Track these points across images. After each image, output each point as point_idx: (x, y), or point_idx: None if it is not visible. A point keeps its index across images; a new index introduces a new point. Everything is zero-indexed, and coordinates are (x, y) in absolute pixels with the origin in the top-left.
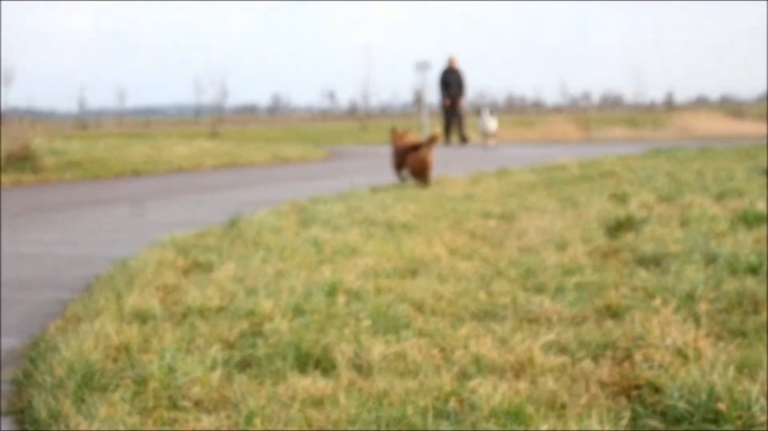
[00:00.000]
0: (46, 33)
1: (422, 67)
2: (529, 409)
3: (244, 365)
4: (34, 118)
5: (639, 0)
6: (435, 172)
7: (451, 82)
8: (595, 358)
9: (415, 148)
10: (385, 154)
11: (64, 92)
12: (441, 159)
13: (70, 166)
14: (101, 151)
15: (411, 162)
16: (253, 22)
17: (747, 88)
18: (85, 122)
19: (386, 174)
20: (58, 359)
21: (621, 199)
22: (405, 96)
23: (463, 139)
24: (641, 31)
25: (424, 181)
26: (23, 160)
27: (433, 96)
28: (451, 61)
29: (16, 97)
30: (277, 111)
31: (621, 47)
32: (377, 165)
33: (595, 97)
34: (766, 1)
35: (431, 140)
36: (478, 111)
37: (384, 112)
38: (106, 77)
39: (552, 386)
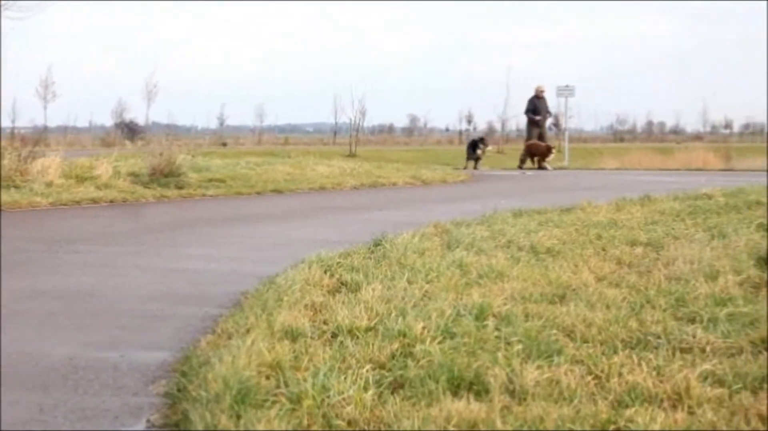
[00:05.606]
0: (188, 49)
1: (564, 91)
2: None
3: (396, 386)
4: (174, 133)
5: None
6: (578, 197)
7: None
8: (754, 391)
9: None
10: (523, 178)
11: (204, 108)
12: (581, 185)
13: (212, 182)
14: (243, 168)
15: None
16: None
17: None
18: (224, 138)
19: (527, 198)
20: (212, 374)
21: None
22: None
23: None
24: None
25: None
26: (167, 176)
27: (572, 121)
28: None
29: (157, 112)
30: (413, 132)
31: (764, 74)
32: (517, 188)
33: (737, 125)
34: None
35: None
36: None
37: (521, 135)
38: (246, 94)
39: (711, 418)
